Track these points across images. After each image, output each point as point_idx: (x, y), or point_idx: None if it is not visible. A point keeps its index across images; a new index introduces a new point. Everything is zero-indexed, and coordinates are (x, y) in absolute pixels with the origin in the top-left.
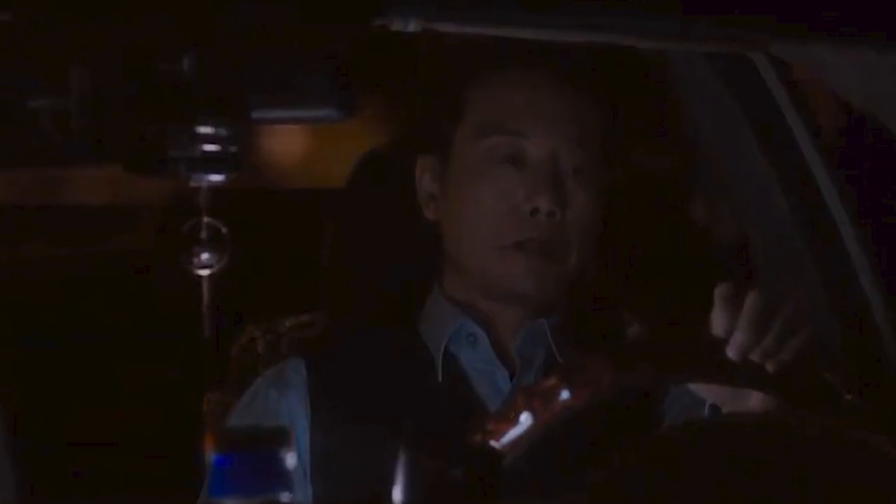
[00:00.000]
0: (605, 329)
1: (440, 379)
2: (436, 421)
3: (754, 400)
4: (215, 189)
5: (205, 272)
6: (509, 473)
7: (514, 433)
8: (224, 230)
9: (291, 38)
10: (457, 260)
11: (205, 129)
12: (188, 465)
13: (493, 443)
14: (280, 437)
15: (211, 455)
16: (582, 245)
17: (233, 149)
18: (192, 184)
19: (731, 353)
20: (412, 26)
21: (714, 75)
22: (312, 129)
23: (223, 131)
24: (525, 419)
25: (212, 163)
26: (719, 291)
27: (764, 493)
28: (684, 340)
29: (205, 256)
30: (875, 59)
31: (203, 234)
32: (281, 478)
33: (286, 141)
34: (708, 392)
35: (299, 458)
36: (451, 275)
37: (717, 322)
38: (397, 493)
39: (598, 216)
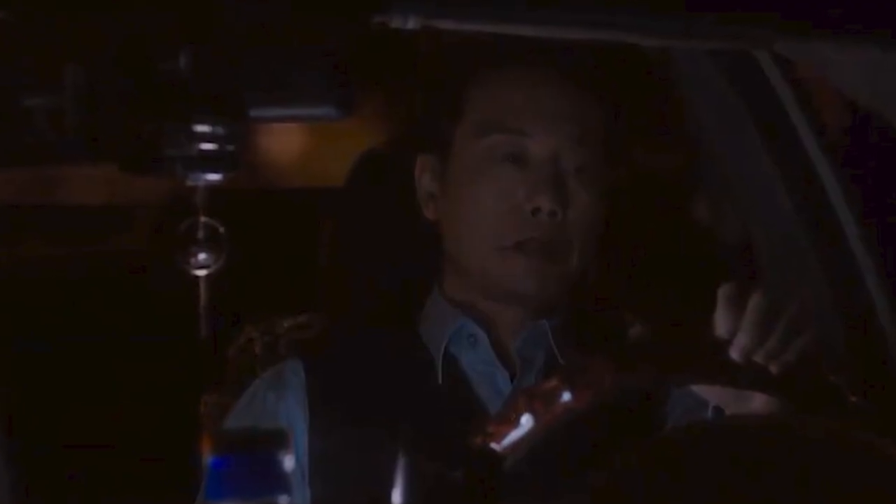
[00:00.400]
0: (606, 330)
1: (440, 380)
2: (435, 423)
3: (758, 402)
4: (212, 188)
5: (202, 272)
6: (510, 476)
7: (514, 435)
8: (221, 230)
9: (290, 36)
10: (457, 260)
11: (202, 128)
12: (185, 467)
13: (493, 445)
14: (278, 440)
15: (208, 457)
16: (583, 245)
17: (230, 147)
18: (189, 183)
19: (734, 354)
20: (411, 23)
21: (717, 73)
22: (311, 127)
23: (220, 130)
24: (526, 421)
25: (209, 162)
26: (723, 292)
27: (767, 496)
28: (687, 341)
29: (202, 256)
30: (880, 57)
31: (200, 234)
32: (279, 480)
33: (284, 140)
34: (711, 394)
35: (297, 460)
36: (451, 275)
37: (721, 323)
38: (396, 496)
39: (600, 216)
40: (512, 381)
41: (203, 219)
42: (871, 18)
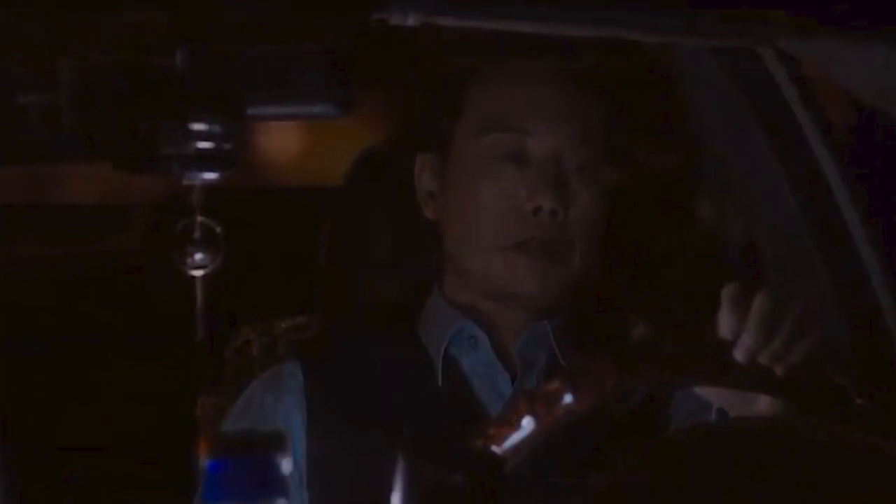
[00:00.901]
0: (608, 331)
1: (440, 382)
2: (435, 425)
3: (762, 404)
4: (209, 187)
5: (198, 272)
6: (511, 479)
7: (515, 438)
8: (218, 229)
9: (288, 33)
10: (457, 260)
11: (198, 126)
12: (182, 470)
13: (494, 448)
14: (275, 442)
15: (205, 460)
16: (585, 245)
17: (227, 146)
18: (186, 182)
19: (738, 355)
20: (411, 20)
21: (721, 70)
22: (309, 126)
23: (217, 128)
24: (527, 423)
25: (206, 160)
26: (726, 292)
27: (772, 499)
28: (690, 343)
29: (198, 256)
30: (886, 55)
31: (196, 234)
32: (276, 484)
33: (282, 138)
34: (715, 396)
35: (295, 463)
36: (451, 275)
37: (725, 324)
38: (396, 500)
39: (602, 215)
40: (513, 382)
41: (200, 218)
42: (877, 15)
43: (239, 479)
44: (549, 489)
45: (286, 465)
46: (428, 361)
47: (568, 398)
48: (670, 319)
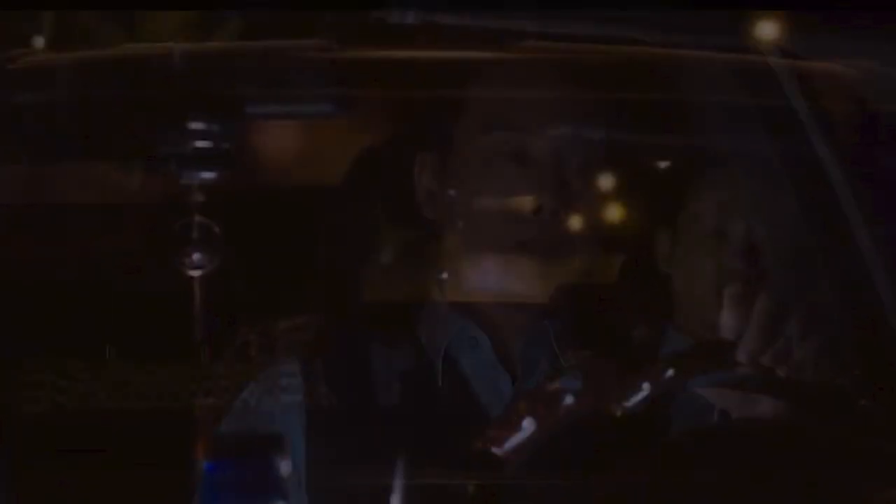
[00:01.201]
0: (608, 331)
1: (440, 382)
2: (436, 426)
3: (764, 405)
4: (208, 187)
5: (197, 272)
6: (511, 481)
7: (516, 439)
8: (216, 229)
9: (288, 33)
10: (457, 261)
11: (197, 125)
12: (180, 472)
13: (494, 449)
14: (274, 444)
15: (203, 463)
16: (586, 245)
17: (226, 145)
18: (184, 181)
19: (741, 356)
20: (411, 18)
21: (723, 69)
22: (308, 125)
23: (216, 127)
24: (528, 425)
25: (204, 160)
26: (729, 293)
27: (774, 501)
28: (692, 344)
29: (197, 256)
30: (890, 53)
31: (195, 234)
32: (275, 486)
33: (282, 138)
34: (717, 397)
35: (294, 465)
36: (452, 276)
37: (727, 325)
38: (396, 501)
39: (603, 215)
40: (513, 383)
41: (198, 218)
42: (881, 13)
43: (237, 481)
44: (549, 491)
45: (285, 467)
46: (428, 361)
47: (568, 399)
48: (672, 320)
